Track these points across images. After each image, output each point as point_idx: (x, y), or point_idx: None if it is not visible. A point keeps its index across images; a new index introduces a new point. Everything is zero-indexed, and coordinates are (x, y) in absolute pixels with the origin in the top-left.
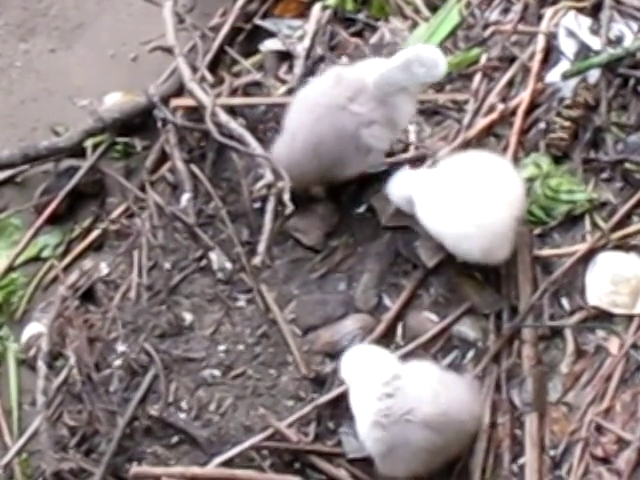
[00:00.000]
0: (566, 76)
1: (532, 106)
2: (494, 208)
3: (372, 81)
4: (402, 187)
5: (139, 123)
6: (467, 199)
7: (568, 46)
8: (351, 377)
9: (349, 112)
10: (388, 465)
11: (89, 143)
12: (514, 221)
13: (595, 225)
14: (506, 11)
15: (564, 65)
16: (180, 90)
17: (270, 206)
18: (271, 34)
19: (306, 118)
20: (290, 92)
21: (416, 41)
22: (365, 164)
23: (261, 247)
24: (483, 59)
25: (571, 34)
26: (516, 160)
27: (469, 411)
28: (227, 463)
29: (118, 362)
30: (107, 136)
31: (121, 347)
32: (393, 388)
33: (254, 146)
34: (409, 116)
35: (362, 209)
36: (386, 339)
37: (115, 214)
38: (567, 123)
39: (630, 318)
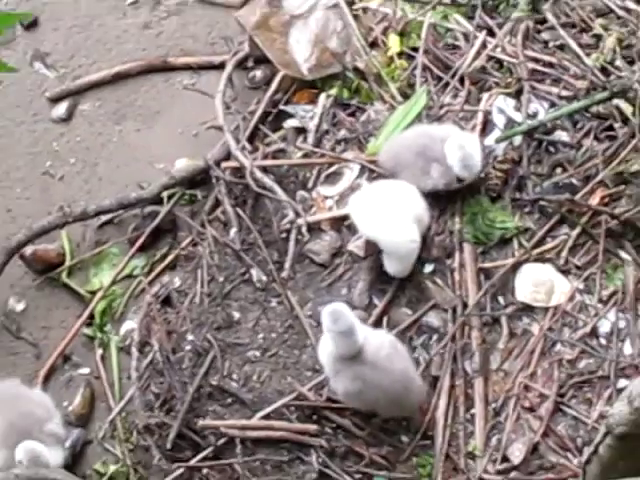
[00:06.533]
0: (498, 141)
1: None
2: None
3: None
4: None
5: (200, 180)
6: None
7: (499, 120)
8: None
9: (437, 145)
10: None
11: (165, 194)
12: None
13: (520, 245)
14: (455, 96)
15: (497, 133)
16: (228, 156)
17: (292, 236)
18: (291, 115)
19: (414, 131)
20: (305, 156)
21: (397, 119)
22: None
23: (287, 265)
24: None
25: (501, 111)
26: (464, 200)
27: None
28: (266, 417)
29: (188, 347)
30: (178, 189)
31: (190, 337)
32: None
33: (280, 194)
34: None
35: (357, 236)
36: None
37: (184, 244)
38: (499, 173)
39: (546, 309)
